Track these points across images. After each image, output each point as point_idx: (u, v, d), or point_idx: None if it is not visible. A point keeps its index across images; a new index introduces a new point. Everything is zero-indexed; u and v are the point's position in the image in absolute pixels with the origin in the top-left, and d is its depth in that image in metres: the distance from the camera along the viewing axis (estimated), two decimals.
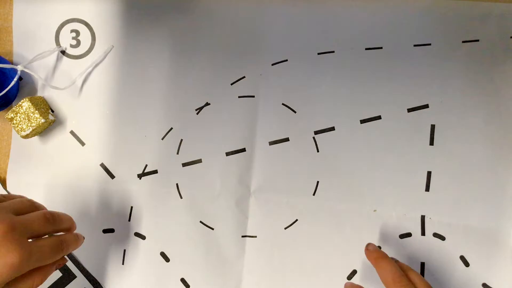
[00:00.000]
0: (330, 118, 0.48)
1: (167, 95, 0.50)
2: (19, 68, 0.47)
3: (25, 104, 0.47)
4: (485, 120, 0.47)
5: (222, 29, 0.49)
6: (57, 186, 0.50)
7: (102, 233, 0.50)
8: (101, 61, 0.50)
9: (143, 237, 0.50)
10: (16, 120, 0.47)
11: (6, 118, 0.47)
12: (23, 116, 0.46)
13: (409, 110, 0.48)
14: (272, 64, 0.49)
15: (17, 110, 0.47)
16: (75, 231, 0.41)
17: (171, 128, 0.50)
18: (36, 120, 0.46)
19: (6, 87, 0.46)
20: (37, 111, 0.47)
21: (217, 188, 0.49)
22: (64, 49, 0.50)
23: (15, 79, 0.46)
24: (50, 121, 0.49)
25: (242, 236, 0.49)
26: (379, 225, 0.48)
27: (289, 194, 0.49)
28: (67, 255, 0.49)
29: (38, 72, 0.49)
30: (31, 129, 0.46)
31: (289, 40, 0.49)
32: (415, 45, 0.48)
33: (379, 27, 0.48)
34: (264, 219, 0.49)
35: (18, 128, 0.47)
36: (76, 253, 0.50)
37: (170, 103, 0.50)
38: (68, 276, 0.50)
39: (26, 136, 0.48)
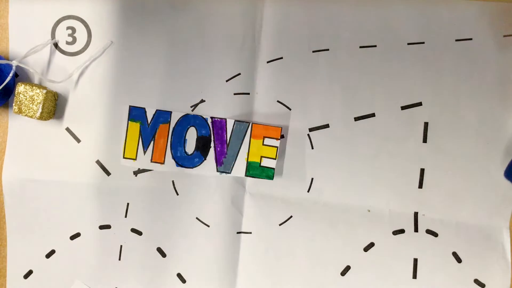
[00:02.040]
0: (325, 116, 0.49)
1: (162, 92, 0.50)
2: (14, 63, 0.47)
3: (20, 88, 0.46)
4: (478, 118, 0.48)
5: (218, 26, 0.49)
6: (53, 182, 0.50)
7: (99, 229, 0.50)
8: (98, 56, 0.50)
9: (139, 233, 0.50)
10: (23, 107, 0.46)
11: (14, 112, 0.47)
12: (25, 99, 0.46)
13: (403, 107, 0.48)
14: (268, 62, 0.49)
15: (18, 99, 0.46)
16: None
17: None
18: (39, 95, 0.46)
19: (2, 84, 0.46)
20: (35, 87, 0.47)
21: (213, 185, 0.50)
22: (57, 41, 0.50)
23: (11, 74, 0.46)
24: (53, 92, 0.49)
25: (237, 233, 0.50)
26: (372, 221, 0.49)
27: (284, 191, 0.49)
28: None
29: (34, 68, 0.49)
30: (41, 106, 0.46)
31: (284, 37, 0.49)
32: (408, 44, 0.48)
33: (373, 25, 0.48)
34: (259, 216, 0.50)
35: (30, 113, 0.46)
36: (73, 249, 0.51)
37: (166, 100, 0.50)
38: None
39: (42, 116, 0.47)
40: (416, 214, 0.48)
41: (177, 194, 0.50)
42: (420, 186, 0.48)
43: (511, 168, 0.46)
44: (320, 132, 0.49)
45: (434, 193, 0.48)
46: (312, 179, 0.49)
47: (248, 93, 0.49)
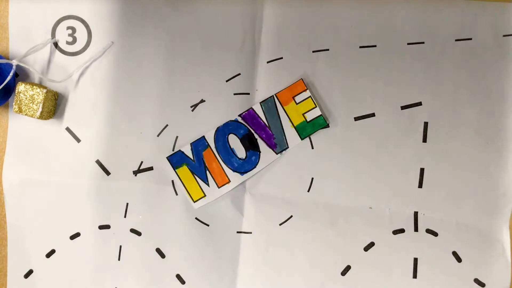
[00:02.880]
0: (325, 115, 0.49)
1: (163, 92, 0.50)
2: (14, 62, 0.47)
3: (21, 88, 0.46)
4: (478, 118, 0.48)
5: (218, 26, 0.49)
6: (53, 182, 0.50)
7: (98, 229, 0.50)
8: (99, 57, 0.50)
9: (139, 234, 0.50)
10: (23, 107, 0.46)
11: (14, 111, 0.47)
12: (25, 98, 0.46)
13: (403, 107, 0.48)
14: (268, 62, 0.49)
15: (18, 98, 0.46)
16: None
17: (167, 125, 0.50)
18: (40, 95, 0.46)
19: (2, 83, 0.46)
20: (35, 86, 0.47)
21: None
22: (57, 41, 0.50)
23: (11, 73, 0.46)
24: (53, 92, 0.49)
25: (237, 232, 0.50)
26: (372, 221, 0.49)
27: (284, 191, 0.49)
28: None
29: (34, 67, 0.49)
30: (41, 105, 0.46)
31: (284, 37, 0.49)
32: (408, 43, 0.48)
33: (373, 25, 0.48)
34: (259, 216, 0.50)
35: (30, 112, 0.46)
36: (73, 249, 0.50)
37: (166, 100, 0.50)
38: None
39: (42, 115, 0.47)
40: (416, 213, 0.48)
41: (177, 194, 0.50)
42: (420, 185, 0.48)
43: None
44: (320, 132, 0.49)
45: (434, 192, 0.48)
46: (312, 179, 0.49)
47: (248, 93, 0.50)
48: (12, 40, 0.50)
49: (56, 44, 0.50)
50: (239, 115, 0.48)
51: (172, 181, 0.50)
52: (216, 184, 0.49)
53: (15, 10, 0.50)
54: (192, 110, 0.50)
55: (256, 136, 0.48)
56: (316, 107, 0.48)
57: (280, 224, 0.49)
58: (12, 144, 0.50)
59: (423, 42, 0.48)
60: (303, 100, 0.48)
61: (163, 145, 0.50)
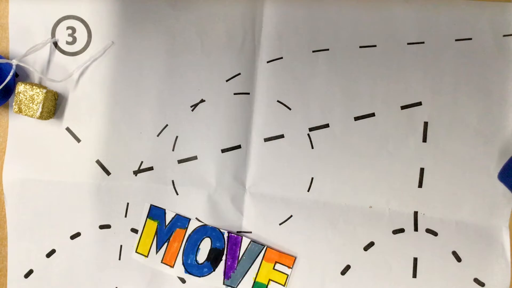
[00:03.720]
0: (325, 115, 0.49)
1: (163, 92, 0.50)
2: (14, 62, 0.47)
3: (20, 88, 0.46)
4: (477, 117, 0.48)
5: (218, 26, 0.49)
6: (53, 182, 0.50)
7: (99, 229, 0.50)
8: (99, 57, 0.50)
9: None
10: (23, 107, 0.46)
11: (14, 112, 0.47)
12: (25, 99, 0.46)
13: (403, 107, 0.48)
14: (268, 62, 0.49)
15: (18, 98, 0.46)
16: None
17: (167, 125, 0.50)
18: (39, 95, 0.46)
19: (2, 83, 0.46)
20: (35, 87, 0.47)
21: (213, 184, 0.50)
22: (56, 40, 0.50)
23: (11, 73, 0.46)
24: (53, 92, 0.49)
25: (238, 232, 0.50)
26: (372, 221, 0.49)
27: (284, 190, 0.49)
28: None
29: (34, 67, 0.49)
30: (41, 105, 0.46)
31: (284, 37, 0.49)
32: (408, 43, 0.48)
33: (373, 25, 0.48)
34: (259, 215, 0.50)
35: (30, 112, 0.46)
36: (74, 249, 0.50)
37: (166, 100, 0.50)
38: None
39: (42, 115, 0.47)
40: (416, 213, 0.48)
41: (177, 194, 0.50)
42: (420, 185, 0.48)
43: (505, 171, 0.46)
44: (320, 132, 0.49)
45: (434, 192, 0.48)
46: (312, 178, 0.49)
47: (248, 93, 0.50)
48: (12, 40, 0.50)
49: (56, 44, 0.50)
50: (228, 232, 0.49)
51: (172, 181, 0.50)
52: (162, 258, 0.50)
53: (15, 10, 0.50)
54: (192, 110, 0.50)
55: (224, 257, 0.49)
56: (284, 286, 0.48)
57: (280, 224, 0.49)
58: (12, 144, 0.50)
59: (423, 42, 0.48)
60: (280, 272, 0.49)
61: (163, 145, 0.50)
